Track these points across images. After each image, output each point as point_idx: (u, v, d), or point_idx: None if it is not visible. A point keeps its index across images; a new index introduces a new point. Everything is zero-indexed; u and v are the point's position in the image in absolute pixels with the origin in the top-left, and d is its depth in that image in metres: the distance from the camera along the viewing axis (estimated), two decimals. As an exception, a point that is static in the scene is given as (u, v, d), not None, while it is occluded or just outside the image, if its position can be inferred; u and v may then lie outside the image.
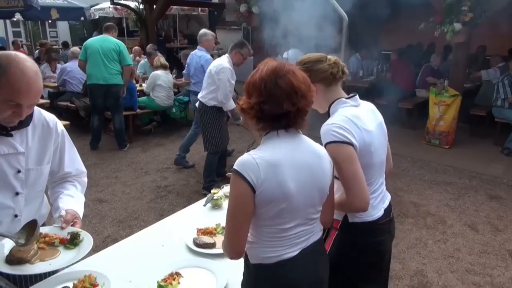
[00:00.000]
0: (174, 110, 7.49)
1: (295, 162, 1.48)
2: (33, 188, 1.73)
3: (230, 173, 1.48)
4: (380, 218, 1.92)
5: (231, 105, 4.66)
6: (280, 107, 1.43)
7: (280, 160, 1.45)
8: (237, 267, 1.90)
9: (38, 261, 1.62)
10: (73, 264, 1.69)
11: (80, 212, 1.88)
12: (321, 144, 1.69)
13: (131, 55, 9.61)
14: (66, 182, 1.94)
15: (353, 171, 1.71)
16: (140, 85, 7.77)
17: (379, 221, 1.91)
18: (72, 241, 1.77)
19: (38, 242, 1.69)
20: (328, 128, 1.76)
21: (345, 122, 1.77)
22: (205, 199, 2.62)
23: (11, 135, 1.59)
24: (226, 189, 2.74)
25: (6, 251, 1.61)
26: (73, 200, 1.87)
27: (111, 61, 6.12)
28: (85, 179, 2.03)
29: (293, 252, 1.53)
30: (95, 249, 2.08)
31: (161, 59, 7.40)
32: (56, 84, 7.82)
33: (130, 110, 6.99)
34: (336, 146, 1.72)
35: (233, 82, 4.71)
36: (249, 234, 1.52)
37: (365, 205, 1.74)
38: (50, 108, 6.65)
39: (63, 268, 1.72)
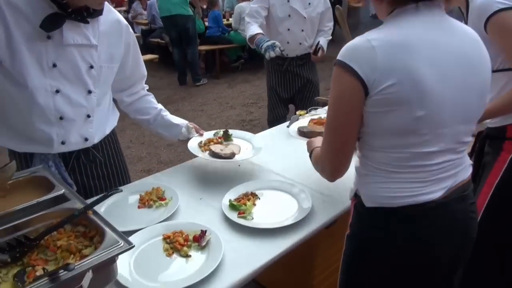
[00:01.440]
0: (262, 45, 7.14)
1: (438, 46, 1.01)
2: (103, 88, 1.60)
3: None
4: None
5: (247, 31, 2.96)
6: None
7: (412, 41, 0.99)
8: (324, 188, 1.58)
9: (238, 154, 1.79)
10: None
11: None
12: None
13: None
14: (147, 96, 1.85)
15: None
16: (228, 19, 7.52)
17: None
18: (228, 137, 1.94)
19: (212, 143, 1.87)
20: None
21: None
22: (288, 122, 2.30)
23: (87, 22, 1.45)
24: (314, 112, 2.39)
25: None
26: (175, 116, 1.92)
27: None
28: None
29: (435, 192, 1.08)
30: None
31: (245, -11, 7.00)
32: (147, 21, 7.90)
33: (218, 42, 6.82)
34: (507, 13, 1.36)
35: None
36: (366, 166, 1.14)
37: None
38: (142, 45, 6.78)
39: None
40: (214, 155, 1.73)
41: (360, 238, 1.18)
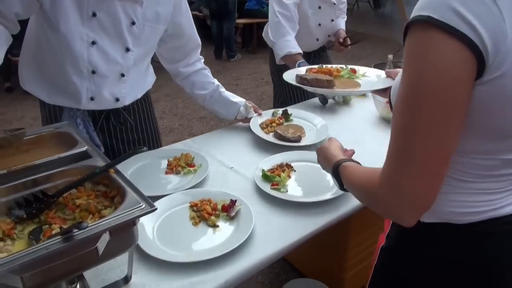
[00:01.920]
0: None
1: None
2: (143, 48, 1.50)
3: None
4: None
5: (282, 42, 2.18)
6: None
7: None
8: (367, 163, 1.43)
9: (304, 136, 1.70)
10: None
11: None
12: None
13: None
14: (204, 69, 1.75)
15: None
16: (267, -7, 7.29)
17: None
18: (288, 117, 1.82)
19: (275, 124, 1.77)
20: None
21: None
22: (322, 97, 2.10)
23: None
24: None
25: None
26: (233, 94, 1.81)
27: None
28: None
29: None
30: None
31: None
32: (186, -7, 7.80)
33: (256, 16, 6.63)
34: None
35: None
36: None
37: None
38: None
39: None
40: (281, 137, 1.63)
41: (403, 254, 0.90)
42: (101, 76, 1.43)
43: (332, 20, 2.39)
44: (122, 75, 1.48)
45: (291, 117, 1.82)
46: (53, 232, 0.87)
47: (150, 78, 1.69)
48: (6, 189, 0.93)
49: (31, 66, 1.49)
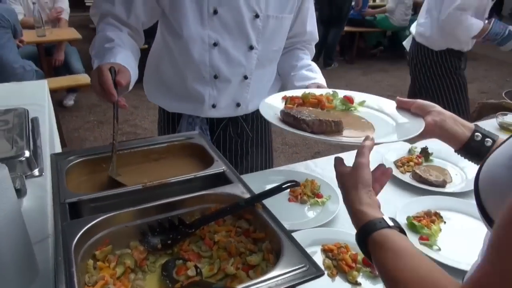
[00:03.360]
0: (407, 32, 6.44)
1: None
2: (269, 44, 1.35)
3: None
4: None
5: (472, 26, 2.36)
6: None
7: None
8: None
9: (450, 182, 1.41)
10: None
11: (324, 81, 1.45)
12: None
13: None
14: (295, 49, 1.51)
15: None
16: (374, 0, 6.94)
17: None
18: (428, 157, 1.55)
19: (412, 162, 1.50)
20: None
21: None
22: None
23: None
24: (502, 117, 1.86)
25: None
26: (313, 73, 1.44)
27: None
28: (313, 48, 1.56)
29: None
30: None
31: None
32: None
33: (359, 25, 6.33)
34: None
35: None
36: None
37: None
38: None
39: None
40: (421, 180, 1.37)
41: None
42: (224, 81, 1.32)
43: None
44: (245, 77, 1.35)
45: (431, 157, 1.55)
46: (189, 273, 0.73)
47: (276, 84, 1.53)
48: (142, 211, 0.81)
49: (153, 77, 1.44)
